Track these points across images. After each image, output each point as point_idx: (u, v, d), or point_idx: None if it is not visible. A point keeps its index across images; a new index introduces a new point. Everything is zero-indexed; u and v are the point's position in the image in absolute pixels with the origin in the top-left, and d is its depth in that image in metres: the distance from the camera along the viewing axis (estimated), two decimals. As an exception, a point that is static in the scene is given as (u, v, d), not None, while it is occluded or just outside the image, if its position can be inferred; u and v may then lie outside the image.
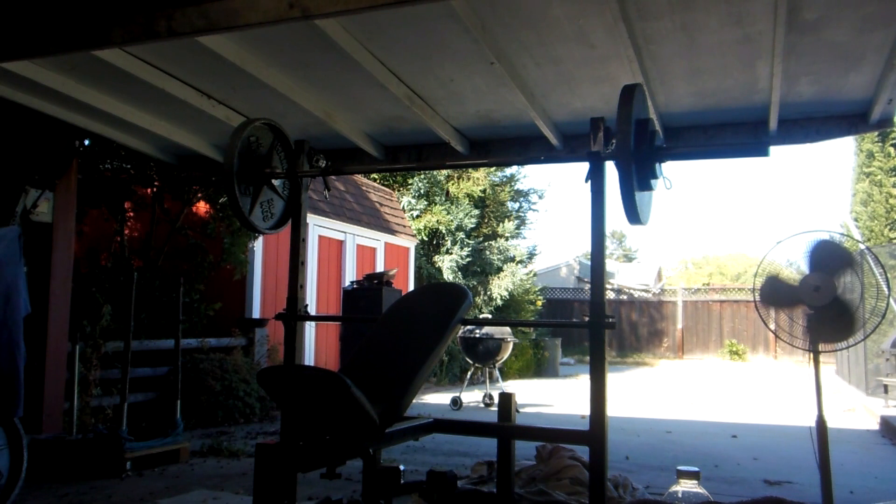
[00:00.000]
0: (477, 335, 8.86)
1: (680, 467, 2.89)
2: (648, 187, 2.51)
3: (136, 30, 2.88)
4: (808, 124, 4.20)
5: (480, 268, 13.60)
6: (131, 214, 7.79)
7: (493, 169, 14.28)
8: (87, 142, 6.12)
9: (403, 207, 12.96)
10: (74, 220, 5.40)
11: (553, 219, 66.49)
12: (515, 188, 15.39)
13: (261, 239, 8.31)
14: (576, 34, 3.29)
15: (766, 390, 11.86)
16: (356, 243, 10.57)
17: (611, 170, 2.46)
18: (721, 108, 4.12)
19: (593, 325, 2.42)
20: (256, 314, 8.45)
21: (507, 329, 9.20)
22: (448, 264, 12.94)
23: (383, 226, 11.32)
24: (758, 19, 3.08)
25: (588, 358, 2.49)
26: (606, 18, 3.08)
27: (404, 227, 12.12)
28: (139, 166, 6.78)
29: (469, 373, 9.62)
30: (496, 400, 2.86)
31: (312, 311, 8.81)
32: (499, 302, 13.51)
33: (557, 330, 16.01)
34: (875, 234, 15.72)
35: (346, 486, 4.05)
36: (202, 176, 6.75)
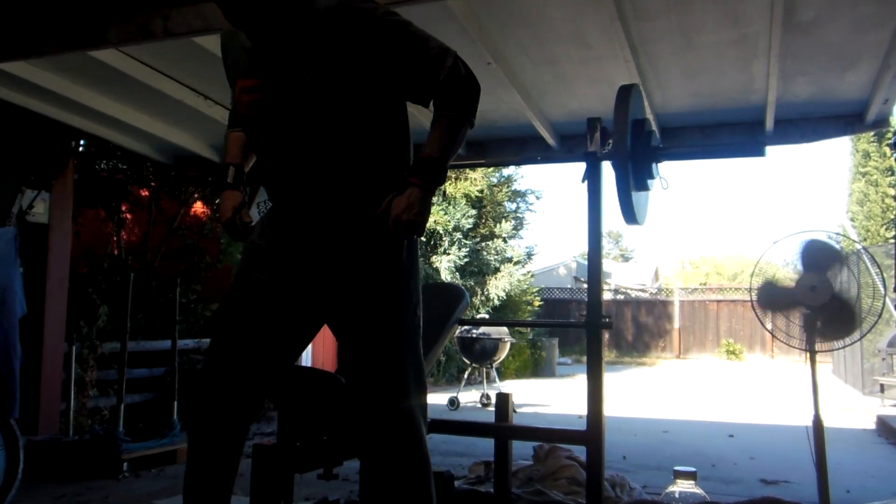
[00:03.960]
0: (474, 335, 8.85)
1: (677, 467, 2.88)
2: (645, 187, 2.52)
3: (133, 30, 2.88)
4: (805, 124, 4.20)
5: (478, 268, 13.59)
6: (128, 215, 7.77)
7: (490, 169, 14.27)
8: (83, 142, 6.10)
9: (401, 208, 12.94)
10: (71, 220, 5.39)
11: (551, 219, 66.49)
12: (513, 189, 15.36)
13: (258, 239, 8.28)
14: (572, 34, 3.29)
15: (763, 390, 11.88)
16: (353, 244, 10.54)
17: (607, 170, 2.47)
18: (717, 108, 4.13)
19: (590, 325, 2.42)
20: (253, 315, 8.41)
21: (505, 329, 9.20)
22: (446, 265, 12.93)
23: (380, 226, 11.29)
24: (754, 20, 3.08)
25: (585, 358, 2.49)
26: (603, 19, 3.08)
27: (401, 227, 12.09)
28: (135, 167, 6.77)
29: (466, 373, 9.62)
30: (493, 400, 2.86)
31: (310, 311, 8.78)
32: (496, 302, 13.50)
33: (555, 330, 16.01)
34: (871, 234, 15.79)
35: (343, 487, 4.04)
36: (199, 176, 6.74)
